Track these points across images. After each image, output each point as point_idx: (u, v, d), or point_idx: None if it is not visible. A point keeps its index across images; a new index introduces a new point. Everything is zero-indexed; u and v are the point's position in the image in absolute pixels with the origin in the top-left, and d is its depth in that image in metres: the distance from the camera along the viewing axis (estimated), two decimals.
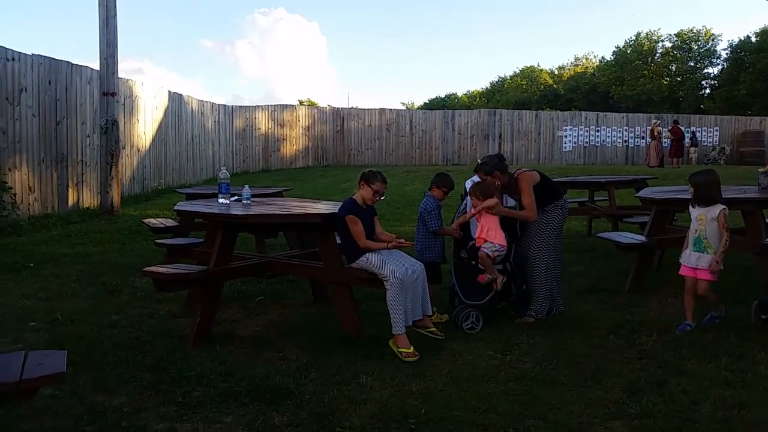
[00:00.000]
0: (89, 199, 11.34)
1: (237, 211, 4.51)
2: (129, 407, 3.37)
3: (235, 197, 5.10)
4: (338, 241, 4.51)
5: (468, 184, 5.10)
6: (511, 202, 5.03)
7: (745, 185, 8.43)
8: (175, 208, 4.96)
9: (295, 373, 3.80)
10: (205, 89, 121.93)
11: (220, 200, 4.90)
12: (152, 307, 5.33)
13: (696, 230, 4.60)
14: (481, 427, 3.10)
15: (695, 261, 4.56)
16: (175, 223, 7.14)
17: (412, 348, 4.05)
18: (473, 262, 4.82)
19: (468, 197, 5.15)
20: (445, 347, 4.26)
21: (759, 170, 6.00)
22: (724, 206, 4.57)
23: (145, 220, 7.66)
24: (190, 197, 7.13)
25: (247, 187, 5.11)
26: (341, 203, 4.61)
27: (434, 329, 4.42)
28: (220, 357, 4.09)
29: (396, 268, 4.16)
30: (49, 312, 5.11)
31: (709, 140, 26.80)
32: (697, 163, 23.61)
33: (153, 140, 14.76)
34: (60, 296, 5.69)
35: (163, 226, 7.01)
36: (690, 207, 4.74)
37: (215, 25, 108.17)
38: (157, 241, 6.12)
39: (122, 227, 9.69)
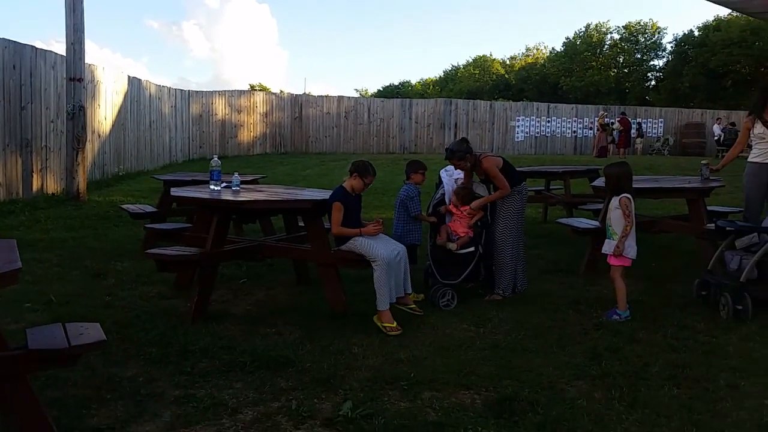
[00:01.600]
0: (53, 184, 11.31)
1: (235, 197, 4.82)
2: (143, 377, 3.67)
3: (225, 184, 5.39)
4: (327, 226, 4.87)
5: (443, 174, 5.54)
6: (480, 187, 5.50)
7: (688, 175, 9.15)
8: (172, 193, 5.21)
9: (291, 345, 4.16)
10: (150, 71, 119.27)
11: (212, 186, 5.17)
12: (141, 290, 5.57)
13: (608, 218, 4.98)
14: (464, 387, 3.55)
15: (605, 247, 4.95)
16: (154, 209, 7.35)
17: (395, 323, 4.46)
18: (447, 247, 5.27)
19: (443, 186, 5.61)
20: (424, 322, 4.69)
21: (701, 162, 6.59)
22: (626, 194, 4.82)
23: (124, 206, 7.82)
24: (168, 183, 7.33)
25: (236, 174, 5.40)
26: (330, 191, 4.97)
27: (414, 306, 4.86)
28: (219, 333, 4.40)
29: (382, 250, 4.56)
30: (41, 294, 5.29)
31: (654, 131, 28.06)
32: (642, 154, 24.75)
33: (113, 126, 14.69)
34: (46, 280, 5.86)
35: (142, 211, 7.20)
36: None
37: (161, 4, 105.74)
38: (146, 226, 6.33)
39: (90, 213, 9.76)
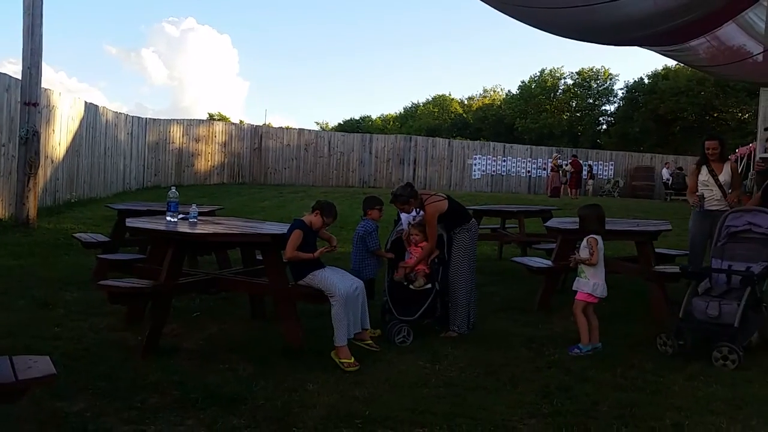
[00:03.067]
0: (1, 210, 10.97)
1: (193, 229, 4.78)
2: (90, 412, 3.57)
3: (182, 215, 5.33)
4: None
5: (404, 217, 5.63)
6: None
7: (636, 218, 9.47)
8: (128, 224, 5.13)
9: (245, 381, 4.11)
10: (107, 96, 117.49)
11: (168, 218, 5.12)
12: (91, 321, 5.43)
13: (578, 256, 5.16)
14: (418, 425, 3.56)
15: (575, 284, 5.15)
16: (107, 238, 7.21)
17: (353, 359, 4.46)
18: (405, 283, 5.33)
19: (401, 223, 5.69)
20: (380, 358, 4.69)
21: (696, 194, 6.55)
22: (595, 236, 5.03)
23: (76, 235, 7.65)
24: (123, 213, 7.21)
25: (194, 206, 5.36)
26: (288, 224, 4.98)
27: (371, 342, 4.88)
28: (171, 367, 4.31)
29: (341, 285, 4.57)
30: None
31: (604, 174, 28.94)
32: (593, 195, 25.45)
33: (67, 151, 14.40)
34: None
35: (94, 241, 7.06)
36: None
37: (120, 31, 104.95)
38: (99, 256, 6.20)
39: (40, 240, 9.50)
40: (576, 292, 5.11)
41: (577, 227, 6.33)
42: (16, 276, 7.08)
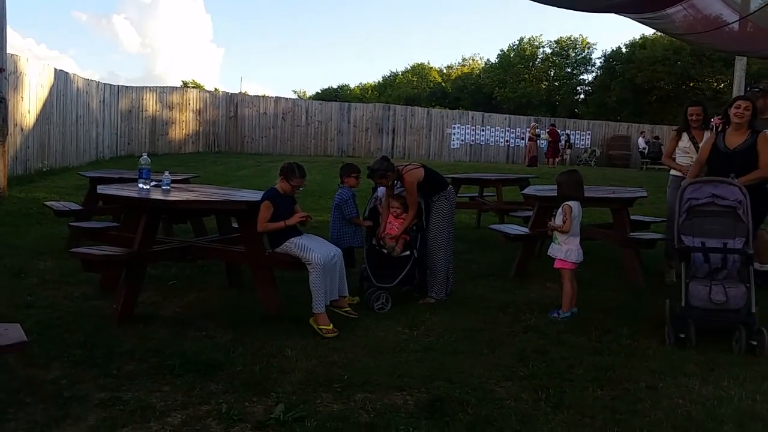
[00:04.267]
0: None
1: (165, 196, 4.70)
2: (66, 380, 3.53)
3: (154, 182, 5.24)
4: None
5: (381, 191, 5.59)
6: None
7: (612, 185, 9.54)
8: (99, 191, 5.03)
9: (222, 348, 4.09)
10: (77, 64, 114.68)
11: (140, 185, 5.03)
12: (65, 290, 5.36)
13: (553, 223, 5.18)
14: (397, 388, 3.58)
15: (549, 250, 5.20)
16: (79, 207, 7.08)
17: (331, 325, 4.45)
18: (384, 250, 5.32)
19: (378, 192, 5.66)
20: (359, 325, 4.70)
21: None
22: (571, 204, 5.02)
23: (48, 203, 7.48)
24: (95, 181, 7.07)
25: (167, 173, 5.26)
26: (263, 192, 4.91)
27: (348, 309, 4.87)
28: (147, 335, 4.28)
29: (318, 252, 4.54)
30: None
31: (581, 143, 29.10)
32: (570, 164, 25.62)
33: (37, 119, 14.02)
34: None
35: (66, 209, 6.93)
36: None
37: None
38: (71, 224, 6.08)
39: (11, 209, 9.31)
40: (554, 259, 5.16)
41: (554, 194, 6.37)
42: None
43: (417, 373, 3.78)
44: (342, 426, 3.10)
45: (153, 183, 5.31)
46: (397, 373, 3.77)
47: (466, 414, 3.25)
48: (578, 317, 5.03)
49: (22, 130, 13.13)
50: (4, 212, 9.01)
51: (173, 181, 5.49)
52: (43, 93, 14.40)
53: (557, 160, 25.17)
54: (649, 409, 3.43)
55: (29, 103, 13.50)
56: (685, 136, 6.34)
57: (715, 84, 35.06)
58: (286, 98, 26.36)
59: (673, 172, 6.45)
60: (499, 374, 3.85)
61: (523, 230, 6.50)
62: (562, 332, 4.66)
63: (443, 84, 53.87)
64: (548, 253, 5.20)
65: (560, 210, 5.12)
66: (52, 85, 14.96)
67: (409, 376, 3.73)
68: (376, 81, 63.17)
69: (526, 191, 7.02)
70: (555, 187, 5.45)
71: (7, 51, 10.53)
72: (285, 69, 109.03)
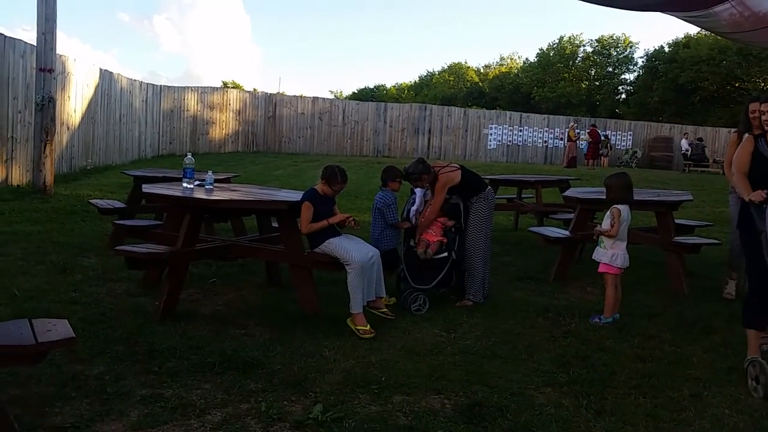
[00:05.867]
0: (19, 176, 11.04)
1: (209, 196, 4.77)
2: (109, 376, 3.60)
3: (198, 182, 5.33)
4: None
5: (419, 193, 5.57)
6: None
7: (654, 188, 9.35)
8: (144, 190, 5.12)
9: (261, 347, 4.12)
10: (120, 64, 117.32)
11: (185, 184, 5.11)
12: (108, 286, 5.47)
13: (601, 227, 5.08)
14: (435, 391, 3.56)
15: (594, 254, 5.08)
16: (123, 205, 7.23)
17: (369, 326, 4.46)
18: (423, 257, 5.27)
19: (416, 194, 5.65)
20: (396, 326, 4.69)
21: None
22: (618, 207, 4.92)
23: (92, 201, 7.68)
24: (139, 179, 7.22)
25: (210, 173, 5.34)
26: (302, 192, 4.94)
27: (386, 310, 4.86)
28: (188, 333, 4.34)
29: (356, 253, 4.55)
30: (5, 289, 5.16)
31: (622, 144, 28.56)
32: (609, 166, 25.17)
33: (82, 118, 14.41)
34: (10, 274, 5.71)
35: (110, 207, 7.08)
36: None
37: None
38: (116, 222, 6.22)
39: (57, 206, 9.56)
40: (598, 262, 5.06)
41: (596, 197, 6.26)
42: (34, 241, 7.14)
43: (455, 377, 3.76)
44: (380, 428, 3.09)
45: (197, 182, 5.40)
46: (435, 376, 3.75)
47: (505, 419, 3.21)
48: (620, 323, 4.93)
49: (68, 128, 13.51)
50: (51, 209, 9.26)
51: (216, 181, 5.57)
52: (89, 92, 14.79)
53: (596, 162, 24.73)
54: (694, 419, 3.35)
55: (75, 103, 13.87)
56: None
57: (762, 84, 34.03)
58: (324, 98, 26.56)
59: None
60: (538, 380, 3.79)
61: (564, 233, 6.40)
62: (603, 338, 4.58)
63: (480, 84, 53.54)
64: (593, 257, 5.10)
65: (608, 213, 5.01)
66: (97, 85, 15.34)
67: (446, 380, 3.71)
68: (413, 81, 63.24)
69: (567, 193, 6.91)
70: (597, 189, 5.36)
71: (56, 52, 10.81)
72: (322, 69, 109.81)
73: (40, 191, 10.43)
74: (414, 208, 5.54)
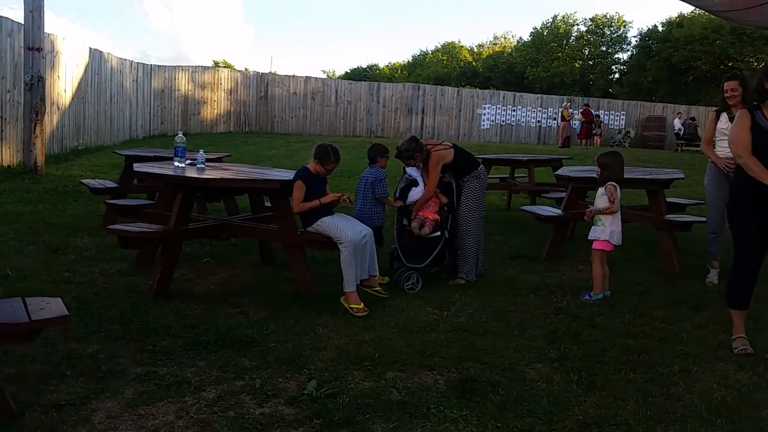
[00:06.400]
0: (9, 157, 10.96)
1: (201, 174, 4.75)
2: (104, 354, 3.62)
3: (189, 161, 5.31)
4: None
5: (411, 171, 5.56)
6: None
7: (647, 167, 9.37)
8: (135, 169, 5.10)
9: (256, 325, 4.14)
10: (110, 43, 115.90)
11: (176, 163, 5.09)
12: (101, 266, 5.46)
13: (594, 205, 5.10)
14: (427, 368, 3.60)
15: (591, 233, 5.08)
16: (115, 185, 7.20)
17: (362, 304, 4.48)
18: (417, 232, 5.29)
19: (407, 172, 5.65)
20: (389, 304, 4.72)
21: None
22: (614, 183, 4.94)
23: (84, 181, 7.64)
24: (130, 159, 7.18)
25: (201, 151, 5.32)
26: (294, 171, 4.93)
27: (379, 288, 4.90)
28: (182, 311, 4.35)
29: (349, 232, 4.56)
30: None
31: (615, 124, 28.56)
32: (601, 145, 25.18)
33: (72, 98, 14.27)
34: (2, 254, 5.69)
35: (102, 187, 7.05)
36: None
37: None
38: (108, 201, 6.20)
39: (48, 187, 9.50)
40: (591, 240, 5.08)
41: (588, 176, 6.28)
42: (26, 222, 7.11)
43: (447, 353, 3.79)
44: (373, 403, 3.13)
45: (188, 161, 5.38)
46: (428, 353, 3.78)
47: (497, 394, 3.26)
48: (611, 300, 4.98)
49: (58, 108, 13.39)
50: (42, 190, 9.21)
51: (207, 160, 5.55)
52: (79, 72, 14.63)
53: (589, 141, 24.75)
54: (683, 393, 3.40)
55: (65, 82, 13.73)
56: (724, 117, 5.55)
57: (755, 63, 34.01)
58: (316, 78, 26.38)
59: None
60: (530, 356, 3.84)
61: (556, 212, 6.43)
62: (594, 315, 4.62)
63: (474, 63, 53.32)
64: (590, 237, 5.09)
65: (603, 190, 5.01)
66: (87, 65, 15.18)
67: (439, 356, 3.75)
68: (406, 60, 62.87)
69: (559, 172, 6.93)
70: (589, 168, 5.37)
71: (45, 30, 10.68)
72: (315, 48, 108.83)
73: (31, 171, 10.36)
74: (417, 189, 5.53)
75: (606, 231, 4.97)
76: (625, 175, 5.55)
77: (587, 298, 4.96)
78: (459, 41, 58.51)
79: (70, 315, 3.84)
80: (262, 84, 24.81)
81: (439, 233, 5.32)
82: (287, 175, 4.97)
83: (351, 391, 3.25)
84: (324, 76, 57.08)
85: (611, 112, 28.72)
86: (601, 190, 5.05)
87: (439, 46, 57.65)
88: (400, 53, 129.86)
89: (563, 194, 7.13)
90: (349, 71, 63.76)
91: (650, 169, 7.71)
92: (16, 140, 11.05)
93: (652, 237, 6.70)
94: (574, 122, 24.95)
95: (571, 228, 7.05)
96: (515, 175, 9.84)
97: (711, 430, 3.02)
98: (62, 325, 2.89)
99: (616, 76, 44.10)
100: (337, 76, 61.85)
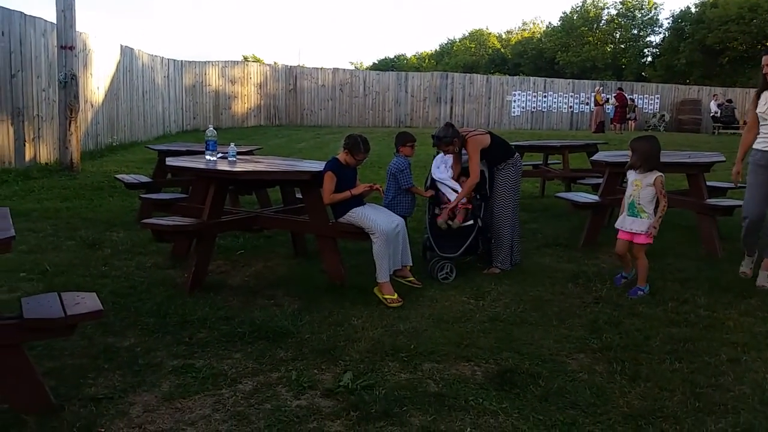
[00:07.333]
0: (46, 154, 11.17)
1: (232, 167, 4.74)
2: (141, 347, 3.63)
3: (221, 154, 5.30)
4: None
5: (439, 159, 5.48)
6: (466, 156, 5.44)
7: (685, 151, 9.11)
8: (167, 163, 5.12)
9: (290, 316, 4.12)
10: (140, 39, 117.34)
11: (208, 157, 5.09)
12: (137, 260, 5.51)
13: (630, 195, 4.71)
14: (464, 359, 3.53)
15: (629, 225, 4.69)
16: (149, 179, 7.26)
17: (396, 295, 4.43)
18: (446, 226, 5.20)
19: (436, 162, 5.57)
20: (423, 295, 4.66)
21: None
22: (660, 173, 4.63)
23: (118, 176, 7.72)
24: (163, 154, 7.23)
25: (232, 145, 5.31)
26: (325, 162, 4.89)
27: (413, 278, 4.84)
28: (217, 303, 4.36)
29: (381, 222, 4.51)
30: (36, 264, 5.23)
31: (650, 107, 27.94)
32: (636, 129, 24.67)
33: (106, 95, 14.48)
34: (41, 249, 5.79)
35: (136, 182, 7.11)
36: (627, 171, 4.83)
37: None
38: (142, 196, 6.25)
39: (84, 183, 9.66)
40: (626, 233, 4.72)
41: (625, 160, 6.10)
42: (64, 217, 7.22)
43: (484, 344, 3.72)
44: (410, 395, 3.07)
45: (219, 155, 5.37)
46: (464, 344, 3.71)
47: (537, 386, 3.17)
48: (653, 288, 4.82)
49: (92, 106, 13.59)
50: (78, 186, 9.36)
51: (238, 153, 5.54)
52: (111, 69, 14.83)
53: (623, 126, 24.26)
54: (733, 384, 3.27)
55: (98, 80, 13.92)
56: (764, 97, 5.01)
57: None
58: (344, 69, 26.33)
59: (755, 144, 5.14)
60: (570, 346, 3.74)
61: (593, 198, 6.28)
62: (635, 303, 4.49)
63: (502, 50, 52.68)
64: (628, 228, 4.70)
65: (647, 181, 4.62)
66: (119, 62, 15.37)
67: (476, 347, 3.67)
68: (433, 50, 62.38)
69: (595, 157, 6.75)
70: (625, 152, 5.15)
71: (76, 29, 10.82)
72: (342, 40, 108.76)
73: (67, 168, 10.54)
74: (443, 175, 5.45)
75: (648, 224, 4.64)
76: (665, 159, 5.35)
77: (640, 294, 4.66)
78: (487, 28, 58.04)
79: (105, 309, 3.89)
80: (291, 77, 24.87)
81: (471, 222, 5.23)
82: (317, 166, 4.93)
83: (387, 383, 3.20)
84: (352, 67, 57.07)
85: (645, 95, 28.11)
86: (647, 179, 4.63)
87: (467, 34, 57.07)
88: (428, 43, 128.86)
89: (599, 180, 6.96)
90: (376, 62, 63.57)
91: (689, 153, 7.48)
92: (52, 138, 11.25)
93: (691, 222, 6.51)
94: (607, 107, 24.46)
95: (608, 214, 6.87)
96: (548, 161, 9.65)
97: (765, 422, 2.89)
98: (97, 319, 2.90)
99: (649, 59, 43.11)
100: (364, 67, 61.74)
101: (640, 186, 4.68)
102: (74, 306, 2.77)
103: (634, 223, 4.70)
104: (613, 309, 4.38)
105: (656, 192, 4.62)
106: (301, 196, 5.30)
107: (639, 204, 4.68)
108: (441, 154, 5.54)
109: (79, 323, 2.75)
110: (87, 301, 2.83)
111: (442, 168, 5.54)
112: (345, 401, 3.02)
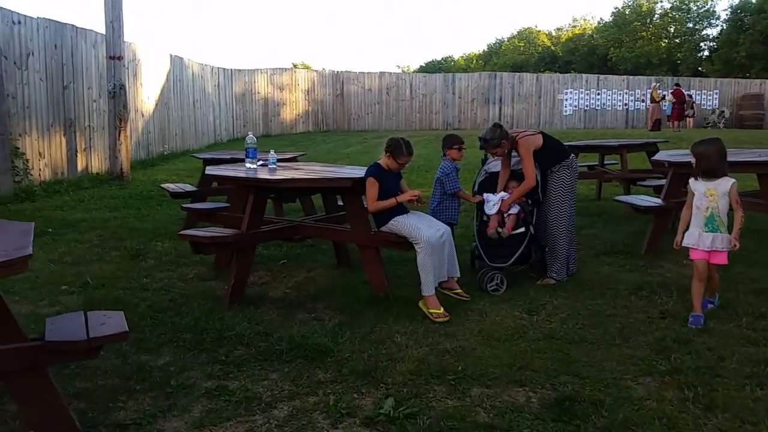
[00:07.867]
0: (98, 164, 11.35)
1: (270, 175, 4.58)
2: (175, 366, 3.48)
3: (261, 162, 5.16)
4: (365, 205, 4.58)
5: (491, 161, 5.19)
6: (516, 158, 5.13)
7: (750, 149, 8.53)
8: (207, 172, 5.00)
9: (330, 332, 3.91)
10: (189, 48, 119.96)
11: (248, 165, 4.95)
12: (180, 271, 5.42)
13: (707, 207, 4.05)
14: (518, 383, 3.24)
15: (710, 243, 4.04)
16: (194, 188, 7.20)
17: (442, 309, 4.16)
18: (497, 235, 4.90)
19: (489, 161, 5.29)
20: (472, 308, 4.38)
21: None
22: (734, 179, 4.08)
23: (164, 185, 7.70)
24: (208, 162, 7.16)
25: (272, 152, 5.16)
26: (366, 167, 4.67)
27: (460, 290, 4.56)
28: (256, 318, 4.19)
29: (425, 230, 4.25)
30: (79, 276, 5.20)
31: (708, 104, 26.76)
32: (694, 127, 23.63)
33: (156, 105, 14.67)
34: (85, 261, 5.77)
35: (182, 191, 7.07)
36: (692, 180, 4.21)
37: None
38: (183, 206, 6.17)
39: (134, 192, 9.74)
40: (703, 252, 4.07)
41: (690, 160, 5.67)
42: (111, 227, 7.24)
43: (539, 366, 3.42)
44: (458, 426, 2.80)
45: (260, 162, 5.23)
46: (517, 365, 3.42)
47: (600, 416, 2.85)
48: (724, 300, 4.41)
49: (143, 115, 13.78)
50: (127, 195, 9.43)
51: (280, 160, 5.39)
52: (161, 79, 15.02)
53: (681, 123, 23.27)
54: None
55: (148, 90, 14.11)
56: None
57: None
58: (390, 72, 26.17)
59: None
60: (635, 368, 3.39)
61: (656, 201, 5.86)
62: (706, 318, 4.08)
63: (553, 48, 51.57)
64: (708, 247, 4.04)
65: (723, 188, 4.05)
66: (168, 71, 15.57)
67: (530, 369, 3.37)
68: (481, 50, 61.60)
69: (657, 157, 6.32)
70: (687, 152, 4.68)
71: (125, 39, 10.96)
72: (390, 45, 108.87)
73: (117, 178, 10.68)
74: (487, 171, 5.16)
75: (728, 238, 4.05)
76: (733, 158, 4.88)
77: (710, 307, 4.21)
78: (536, 26, 56.87)
79: (142, 325, 3.76)
80: (338, 82, 24.84)
81: (523, 229, 4.92)
82: (359, 172, 4.71)
83: (432, 411, 2.94)
84: (399, 71, 56.88)
85: (703, 91, 26.93)
86: (720, 189, 4.05)
87: (516, 33, 56.12)
88: (476, 43, 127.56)
89: (661, 181, 6.53)
90: (423, 65, 63.18)
91: (759, 151, 6.95)
92: (103, 148, 11.42)
93: (762, 227, 6.01)
94: (664, 104, 23.51)
95: (672, 219, 6.43)
96: (605, 162, 9.20)
97: None
98: (121, 341, 2.75)
99: (706, 53, 41.47)
100: (411, 70, 61.46)
101: (716, 195, 4.07)
102: (99, 327, 2.62)
103: (716, 240, 4.04)
104: (681, 325, 3.99)
105: (731, 200, 4.07)
106: (342, 203, 5.10)
107: (719, 217, 4.05)
108: (489, 158, 5.25)
109: (103, 345, 2.58)
110: (113, 321, 2.68)
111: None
112: (385, 431, 2.78)
